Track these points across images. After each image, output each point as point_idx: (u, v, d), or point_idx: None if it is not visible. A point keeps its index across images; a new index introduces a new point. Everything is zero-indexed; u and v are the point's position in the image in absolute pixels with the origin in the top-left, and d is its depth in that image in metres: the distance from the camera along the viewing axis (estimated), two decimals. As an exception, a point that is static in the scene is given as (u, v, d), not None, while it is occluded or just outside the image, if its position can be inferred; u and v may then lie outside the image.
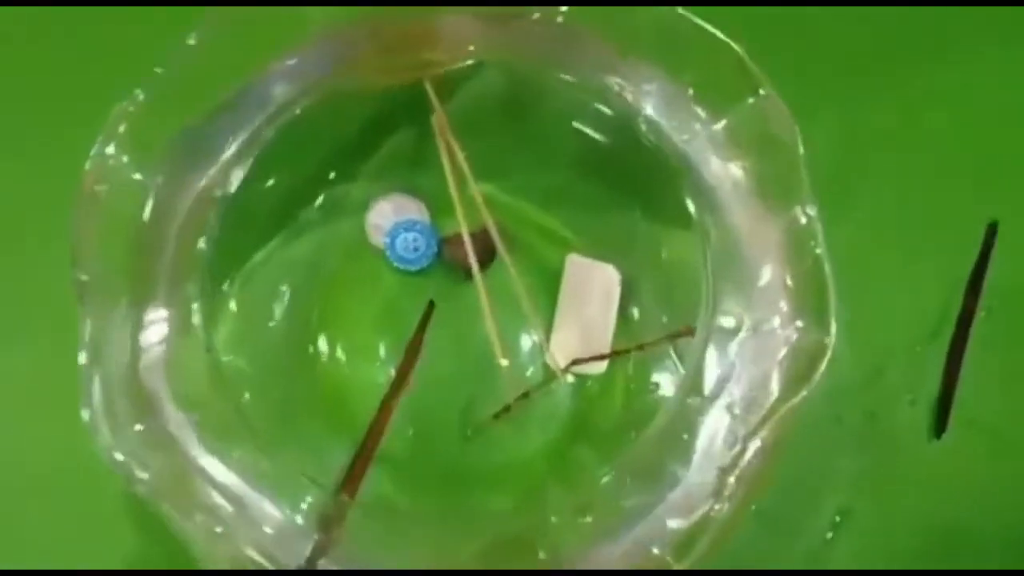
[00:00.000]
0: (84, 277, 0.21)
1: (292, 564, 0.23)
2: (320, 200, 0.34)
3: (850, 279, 0.36)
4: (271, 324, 0.33)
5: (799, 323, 0.22)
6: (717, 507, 0.20)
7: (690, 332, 0.29)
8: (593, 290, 0.34)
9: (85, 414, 0.21)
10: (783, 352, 0.23)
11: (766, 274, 0.23)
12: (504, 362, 0.30)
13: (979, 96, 0.39)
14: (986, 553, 0.34)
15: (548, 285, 0.35)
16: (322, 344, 0.34)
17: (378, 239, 0.35)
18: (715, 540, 0.25)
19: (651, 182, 0.27)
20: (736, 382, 0.23)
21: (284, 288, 0.34)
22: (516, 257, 0.35)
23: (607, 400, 0.34)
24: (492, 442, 0.34)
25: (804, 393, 0.20)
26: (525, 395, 0.33)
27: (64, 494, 0.33)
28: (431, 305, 0.31)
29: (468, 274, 0.34)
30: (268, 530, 0.24)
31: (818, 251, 0.21)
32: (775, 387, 0.21)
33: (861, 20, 0.39)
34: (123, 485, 0.21)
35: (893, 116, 0.38)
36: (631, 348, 0.33)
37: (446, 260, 0.35)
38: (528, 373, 0.34)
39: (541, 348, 0.34)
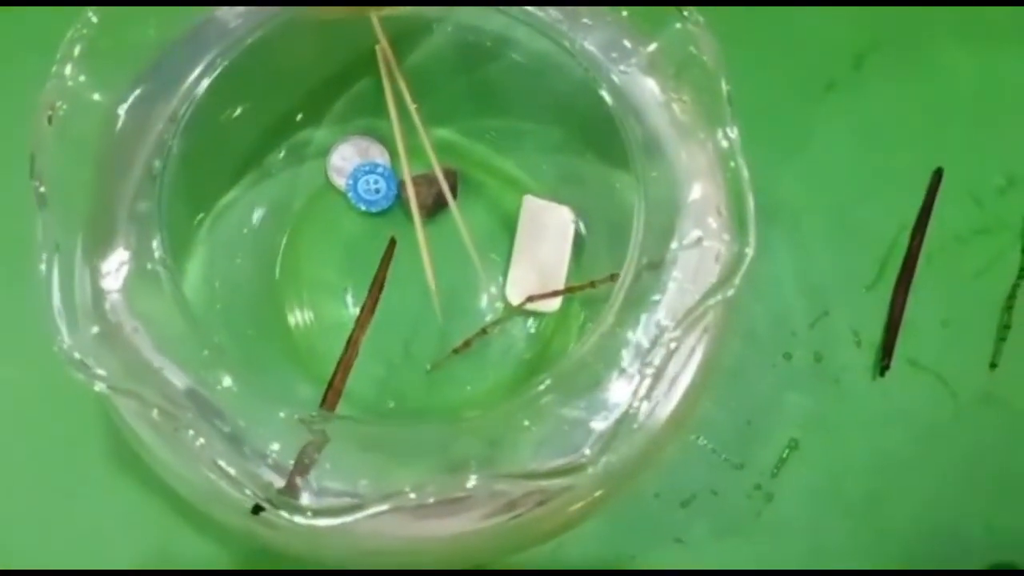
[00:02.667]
0: (43, 188, 0.22)
1: (274, 482, 0.23)
2: (285, 142, 0.35)
3: (799, 222, 0.38)
4: (238, 262, 0.34)
5: (725, 236, 0.23)
6: (635, 405, 0.21)
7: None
8: (548, 230, 0.35)
9: (46, 310, 0.21)
10: (717, 270, 0.24)
11: (695, 193, 0.24)
12: (432, 285, 0.31)
13: (930, 50, 0.40)
14: (926, 485, 0.35)
15: (506, 225, 0.36)
16: (288, 281, 0.35)
17: (340, 181, 0.36)
18: (646, 451, 0.26)
19: (597, 122, 0.28)
20: (669, 298, 0.24)
21: (249, 228, 0.35)
22: (474, 198, 0.36)
23: (563, 336, 0.35)
24: (452, 377, 0.35)
25: (719, 297, 0.22)
26: (483, 331, 0.35)
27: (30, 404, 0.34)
28: (392, 242, 0.32)
29: (427, 214, 0.35)
30: (232, 436, 0.23)
31: (740, 171, 0.22)
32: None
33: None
34: (83, 390, 0.22)
35: (846, 65, 0.40)
36: (583, 285, 0.34)
37: (405, 202, 0.36)
38: (488, 317, 0.35)
39: (498, 287, 0.35)
